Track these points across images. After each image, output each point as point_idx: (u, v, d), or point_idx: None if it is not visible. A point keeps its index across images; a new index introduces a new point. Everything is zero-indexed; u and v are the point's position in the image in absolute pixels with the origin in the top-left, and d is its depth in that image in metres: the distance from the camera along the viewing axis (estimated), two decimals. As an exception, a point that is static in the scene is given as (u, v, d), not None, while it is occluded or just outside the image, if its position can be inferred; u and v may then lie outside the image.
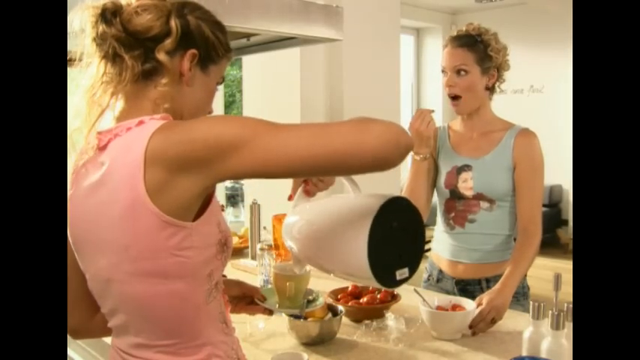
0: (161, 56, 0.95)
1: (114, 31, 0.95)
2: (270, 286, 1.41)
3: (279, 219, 1.96)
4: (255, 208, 2.30)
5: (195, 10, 1.00)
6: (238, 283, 1.28)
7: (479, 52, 1.81)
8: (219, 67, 1.04)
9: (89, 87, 0.97)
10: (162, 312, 0.96)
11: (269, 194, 3.08)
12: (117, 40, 0.95)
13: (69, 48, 0.97)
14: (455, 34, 1.85)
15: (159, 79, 0.96)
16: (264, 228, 2.28)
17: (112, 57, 0.96)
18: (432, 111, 1.83)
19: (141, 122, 0.93)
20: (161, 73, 0.96)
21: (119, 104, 0.98)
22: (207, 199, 0.95)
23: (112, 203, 0.92)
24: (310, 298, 1.30)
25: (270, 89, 3.31)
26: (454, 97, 1.84)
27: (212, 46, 1.00)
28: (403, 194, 1.90)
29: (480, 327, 1.54)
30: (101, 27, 0.95)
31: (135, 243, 0.91)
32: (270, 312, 1.26)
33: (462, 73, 1.80)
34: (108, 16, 0.95)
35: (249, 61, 3.42)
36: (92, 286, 1.03)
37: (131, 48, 0.95)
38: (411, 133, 1.82)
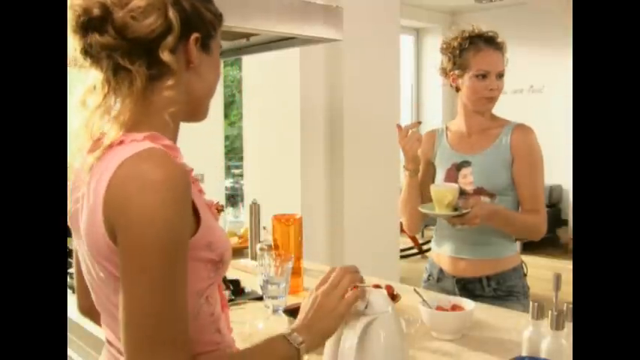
0: (165, 56, 0.87)
1: (110, 40, 0.85)
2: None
3: (278, 219, 1.96)
4: (254, 208, 2.29)
5: None
6: None
7: (504, 53, 1.88)
8: (218, 39, 0.98)
9: (93, 109, 0.89)
10: None
11: (269, 194, 3.09)
12: (117, 51, 0.86)
13: None
14: (482, 34, 1.85)
15: (164, 81, 0.89)
16: (264, 228, 2.28)
17: (114, 70, 0.88)
18: (419, 123, 1.87)
19: (121, 142, 0.86)
20: (166, 73, 0.89)
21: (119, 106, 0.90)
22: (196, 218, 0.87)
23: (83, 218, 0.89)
24: (459, 207, 1.71)
25: (270, 89, 3.31)
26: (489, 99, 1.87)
27: (210, 23, 0.94)
28: (400, 201, 1.96)
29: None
30: (93, 37, 0.85)
31: (99, 254, 0.86)
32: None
33: (501, 76, 1.86)
34: (97, 23, 0.85)
35: (248, 61, 3.42)
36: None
37: (136, 57, 0.87)
38: (402, 150, 1.86)
